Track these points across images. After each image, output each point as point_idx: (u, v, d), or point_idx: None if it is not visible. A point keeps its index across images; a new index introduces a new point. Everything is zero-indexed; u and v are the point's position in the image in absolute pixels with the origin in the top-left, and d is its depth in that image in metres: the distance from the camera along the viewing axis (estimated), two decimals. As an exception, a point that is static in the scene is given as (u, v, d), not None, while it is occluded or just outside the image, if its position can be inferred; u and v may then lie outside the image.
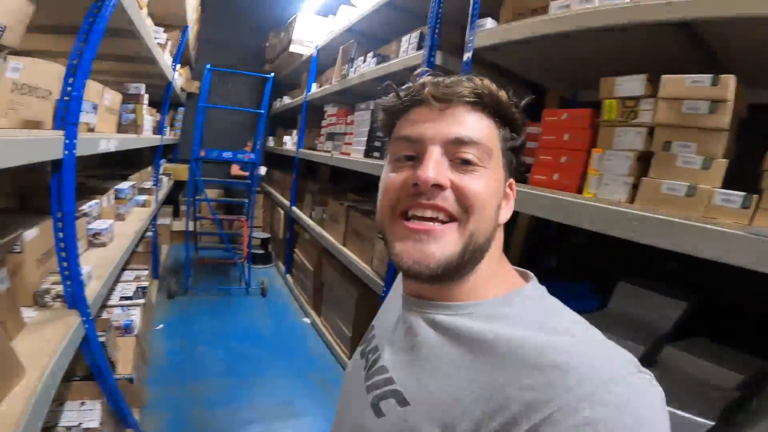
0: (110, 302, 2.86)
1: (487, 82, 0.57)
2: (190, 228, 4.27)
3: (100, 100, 2.00)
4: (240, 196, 4.88)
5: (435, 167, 0.52)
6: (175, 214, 6.04)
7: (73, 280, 1.45)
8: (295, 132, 4.69)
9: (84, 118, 1.40)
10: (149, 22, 2.20)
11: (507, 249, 0.63)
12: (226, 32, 5.78)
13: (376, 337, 0.70)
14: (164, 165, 5.36)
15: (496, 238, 0.58)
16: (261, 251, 5.10)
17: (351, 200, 3.37)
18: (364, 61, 2.88)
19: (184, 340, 3.26)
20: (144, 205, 3.49)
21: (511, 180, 0.61)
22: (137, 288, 3.16)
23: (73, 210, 1.40)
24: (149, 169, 3.79)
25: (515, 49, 1.58)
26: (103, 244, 2.23)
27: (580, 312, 0.54)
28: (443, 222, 0.54)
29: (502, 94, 0.57)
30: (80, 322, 1.43)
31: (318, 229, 3.44)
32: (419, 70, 0.63)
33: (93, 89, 1.81)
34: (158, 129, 3.49)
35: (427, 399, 0.51)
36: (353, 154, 2.80)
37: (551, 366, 0.43)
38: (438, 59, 1.96)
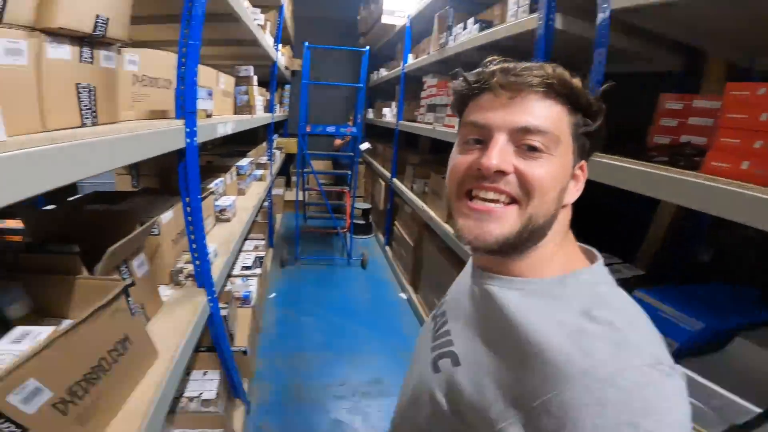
0: (233, 272, 3.15)
1: (560, 70, 0.56)
2: (300, 199, 4.50)
3: (216, 85, 2.10)
4: (344, 168, 5.01)
5: (499, 155, 0.55)
6: (287, 185, 6.50)
7: (202, 261, 1.55)
8: (393, 104, 4.58)
9: (201, 105, 1.44)
10: (247, 3, 2.22)
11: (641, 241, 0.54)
12: (319, 8, 5.86)
13: (445, 303, 0.76)
14: (276, 140, 5.77)
15: (560, 218, 0.60)
16: (362, 222, 5.22)
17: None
18: (465, 28, 2.61)
19: (291, 309, 3.51)
20: (261, 179, 3.75)
21: (583, 162, 0.62)
22: (256, 258, 3.46)
23: (198, 195, 1.48)
24: (264, 144, 4.04)
25: (665, 10, 1.24)
26: (228, 220, 2.42)
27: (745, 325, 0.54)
28: (505, 204, 0.56)
29: (576, 82, 0.56)
30: (206, 301, 1.53)
31: (419, 202, 3.34)
32: (491, 58, 0.64)
33: (207, 75, 1.90)
34: (269, 107, 3.66)
35: (473, 364, 0.57)
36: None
37: (579, 351, 0.46)
38: (558, 23, 1.61)
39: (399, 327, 3.35)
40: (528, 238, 0.57)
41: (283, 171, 6.16)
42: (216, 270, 1.68)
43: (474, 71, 0.62)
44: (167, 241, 1.61)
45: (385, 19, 4.37)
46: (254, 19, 2.33)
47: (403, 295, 3.85)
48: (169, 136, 1.25)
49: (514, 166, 0.55)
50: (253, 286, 3.00)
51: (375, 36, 5.26)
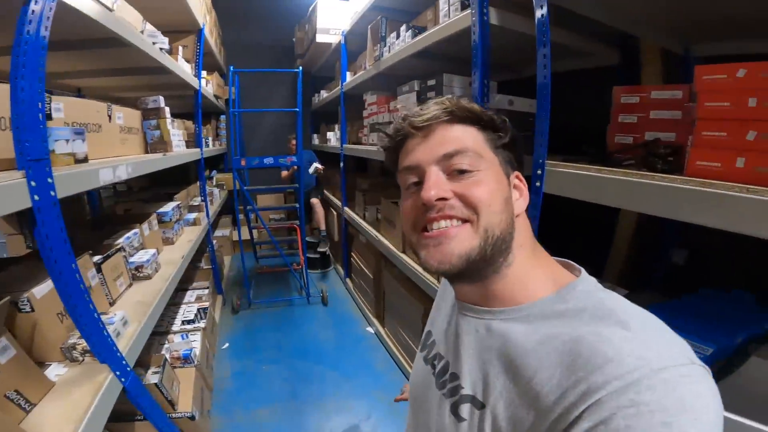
0: (173, 328, 2.79)
1: (455, 99, 0.64)
2: (245, 237, 4.14)
3: (107, 121, 1.76)
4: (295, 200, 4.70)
5: (434, 185, 0.58)
6: (234, 224, 6.04)
7: (93, 335, 1.26)
8: (337, 127, 4.35)
9: (62, 148, 1.11)
10: (142, 26, 1.93)
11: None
12: (253, 34, 5.70)
13: (436, 344, 0.72)
14: (216, 176, 5.38)
15: (520, 229, 0.61)
16: (317, 255, 4.88)
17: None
18: (398, 37, 2.45)
19: (248, 359, 3.18)
20: (195, 222, 3.35)
21: (517, 173, 0.66)
22: (198, 310, 3.07)
23: (70, 263, 1.15)
24: (197, 184, 3.65)
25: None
26: (148, 277, 2.07)
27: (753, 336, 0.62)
28: (456, 226, 0.59)
29: (473, 105, 0.63)
30: (113, 377, 1.28)
31: (373, 232, 3.07)
32: (403, 114, 0.67)
33: (86, 109, 1.57)
34: (196, 141, 3.31)
35: (503, 402, 0.53)
36: None
37: (605, 359, 0.45)
38: (494, 18, 1.46)
39: (370, 363, 3.05)
40: (493, 252, 0.58)
41: (230, 209, 5.77)
42: (127, 338, 1.46)
43: (391, 125, 0.68)
44: (48, 316, 1.33)
45: (320, 38, 4.21)
46: (154, 43, 2.02)
47: (370, 329, 3.55)
48: (3, 193, 0.91)
49: (452, 191, 0.58)
50: (196, 341, 2.67)
51: (312, 57, 5.07)
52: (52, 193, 1.06)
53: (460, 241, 0.57)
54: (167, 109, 2.33)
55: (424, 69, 2.51)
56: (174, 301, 3.27)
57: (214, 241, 5.11)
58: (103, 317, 1.41)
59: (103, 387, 1.20)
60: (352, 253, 4.00)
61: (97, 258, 1.71)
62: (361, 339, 3.44)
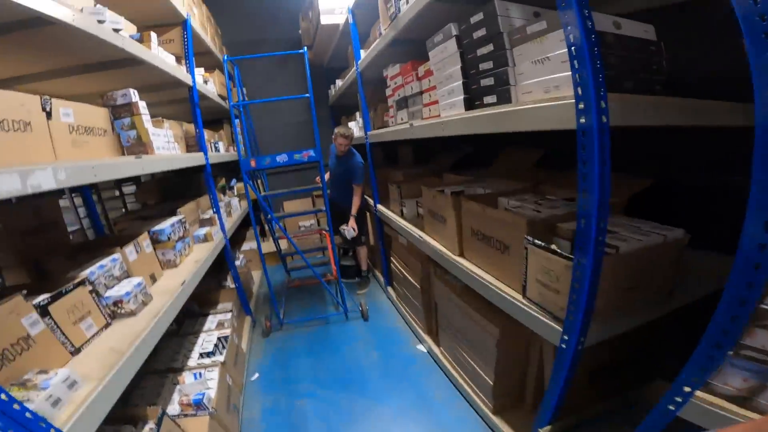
0: (189, 363, 2.40)
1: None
2: (269, 250, 3.65)
3: (41, 119, 1.28)
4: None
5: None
6: (263, 234, 5.63)
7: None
8: (358, 114, 3.80)
9: None
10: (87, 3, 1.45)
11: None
12: (256, 31, 5.35)
13: None
14: (238, 185, 4.97)
15: None
16: (352, 263, 4.35)
17: (455, 183, 2.36)
18: (413, -14, 1.88)
19: (281, 392, 2.72)
20: (205, 239, 2.89)
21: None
22: (219, 339, 2.62)
23: None
24: (206, 197, 3.20)
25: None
26: (132, 313, 1.65)
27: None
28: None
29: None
30: None
31: (415, 231, 2.49)
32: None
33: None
34: (199, 145, 2.85)
35: None
36: (446, 112, 1.78)
37: None
38: None
39: (426, 393, 2.47)
40: None
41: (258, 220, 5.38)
42: (73, 407, 1.05)
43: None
44: None
45: (325, 20, 3.83)
46: (101, 22, 1.52)
47: (421, 347, 2.97)
48: None
49: None
50: (212, 380, 2.22)
51: (321, 46, 4.66)
52: None
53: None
54: (142, 104, 1.84)
55: (458, 13, 1.91)
56: (193, 330, 2.85)
57: (241, 256, 4.69)
58: (39, 378, 1.08)
59: None
60: (392, 258, 3.42)
61: (42, 298, 1.27)
62: (411, 360, 2.87)
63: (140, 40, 1.98)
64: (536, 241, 1.29)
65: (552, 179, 1.99)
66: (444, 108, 1.77)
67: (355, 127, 3.89)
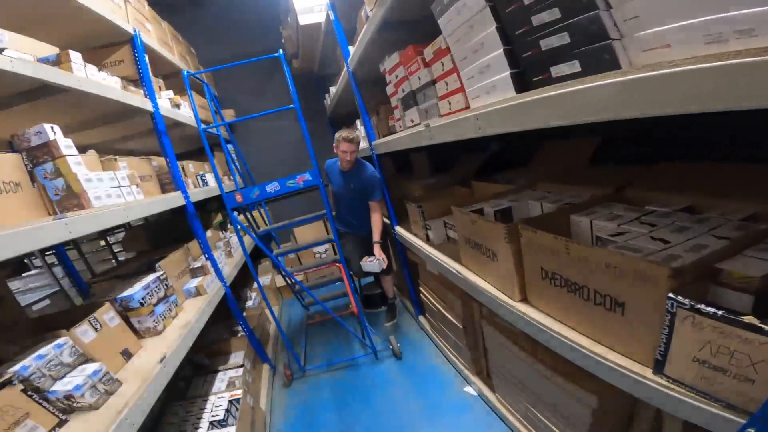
0: None
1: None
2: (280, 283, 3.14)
3: None
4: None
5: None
6: (275, 266, 5.15)
7: None
8: (358, 122, 3.29)
9: None
10: None
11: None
12: (237, 48, 4.90)
13: None
14: (240, 217, 4.51)
15: None
16: (377, 290, 3.81)
17: (492, 196, 1.81)
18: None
19: None
20: (198, 293, 2.42)
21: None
22: (230, 403, 2.23)
23: None
24: (195, 241, 2.72)
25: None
26: (92, 407, 1.32)
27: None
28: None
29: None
30: None
31: (450, 264, 1.93)
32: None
33: None
34: (175, 182, 2.38)
35: None
36: (482, 100, 1.21)
37: None
38: None
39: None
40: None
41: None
42: None
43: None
44: None
45: (304, 20, 3.47)
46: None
47: (470, 390, 2.41)
48: None
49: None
50: None
51: (307, 53, 4.25)
52: None
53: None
54: (65, 142, 1.36)
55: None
56: (201, 391, 2.45)
57: (253, 295, 4.21)
58: None
59: None
60: (421, 288, 2.86)
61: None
62: (460, 407, 2.31)
63: (57, 62, 1.51)
64: (698, 306, 0.73)
65: (637, 178, 1.41)
66: (477, 94, 1.22)
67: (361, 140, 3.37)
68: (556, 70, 0.89)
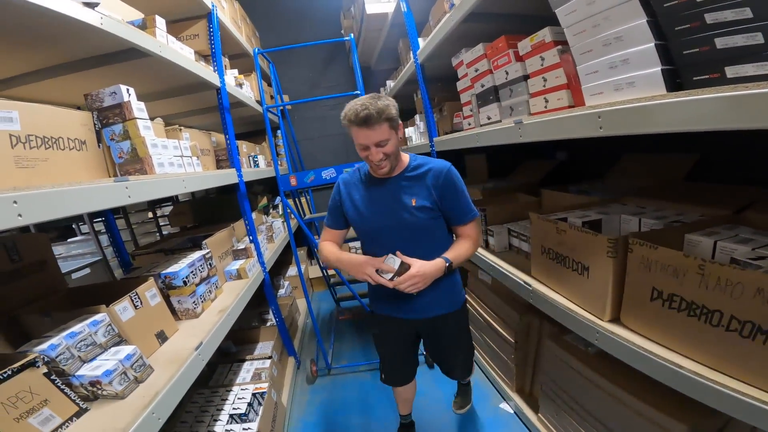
0: (215, 428, 1.89)
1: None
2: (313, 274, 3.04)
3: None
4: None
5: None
6: (311, 256, 5.12)
7: None
8: (418, 117, 3.16)
9: None
10: None
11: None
12: (296, 35, 4.92)
13: None
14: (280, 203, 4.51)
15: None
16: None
17: (569, 206, 1.66)
18: None
19: None
20: (239, 276, 2.36)
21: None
22: (254, 397, 2.11)
23: None
24: (242, 221, 2.68)
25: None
26: (119, 396, 1.18)
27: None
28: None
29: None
30: None
31: (518, 275, 1.78)
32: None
33: None
34: (230, 159, 2.33)
35: None
36: (608, 96, 1.05)
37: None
38: None
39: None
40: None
41: (302, 240, 4.95)
42: None
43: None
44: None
45: (371, 9, 3.31)
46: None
47: (507, 407, 2.26)
48: None
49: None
50: None
51: (367, 44, 4.13)
52: None
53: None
54: (138, 105, 1.32)
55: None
56: (225, 380, 2.37)
57: (286, 283, 4.16)
58: None
59: None
60: (467, 297, 2.71)
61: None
62: (494, 423, 2.18)
63: (143, 26, 1.47)
64: None
65: (760, 200, 1.24)
66: (599, 91, 1.07)
67: (415, 134, 3.25)
68: (735, 71, 0.76)
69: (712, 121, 0.72)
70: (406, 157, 1.57)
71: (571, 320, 1.37)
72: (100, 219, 3.50)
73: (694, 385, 0.94)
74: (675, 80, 0.90)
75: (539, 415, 1.91)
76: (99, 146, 1.28)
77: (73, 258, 3.72)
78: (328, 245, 1.69)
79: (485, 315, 2.36)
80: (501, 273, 1.91)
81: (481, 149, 2.95)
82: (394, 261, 1.41)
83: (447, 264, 1.45)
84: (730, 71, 0.77)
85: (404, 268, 1.40)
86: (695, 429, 1.12)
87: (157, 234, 4.05)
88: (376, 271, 1.43)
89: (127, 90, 1.29)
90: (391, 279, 1.40)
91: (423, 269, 1.40)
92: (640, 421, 1.25)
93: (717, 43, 0.79)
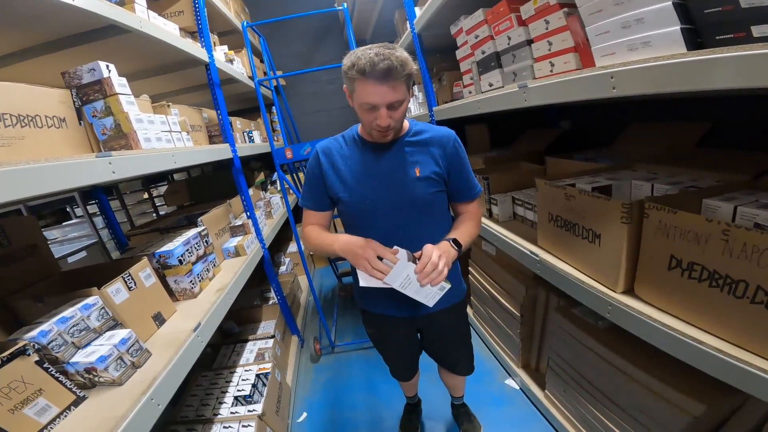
0: (221, 410, 1.88)
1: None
2: (307, 252, 3.03)
3: None
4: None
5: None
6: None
7: None
8: (416, 88, 3.07)
9: None
10: None
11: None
12: (290, 9, 4.74)
13: None
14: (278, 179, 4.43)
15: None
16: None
17: (576, 173, 1.60)
18: None
19: None
20: (237, 253, 2.32)
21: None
22: (257, 378, 2.12)
23: None
24: (238, 198, 2.62)
25: None
26: (116, 383, 1.15)
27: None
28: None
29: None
30: None
31: (524, 245, 1.74)
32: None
33: None
34: (224, 134, 2.25)
35: None
36: (626, 55, 0.97)
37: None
38: None
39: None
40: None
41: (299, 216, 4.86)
42: None
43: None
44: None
45: None
46: None
47: (512, 383, 2.28)
48: None
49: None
50: None
51: (361, 15, 4.03)
52: None
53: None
54: (119, 80, 1.25)
55: None
56: (228, 362, 2.37)
57: (287, 260, 4.15)
58: None
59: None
60: (470, 269, 2.69)
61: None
62: (499, 400, 2.19)
63: (121, 3, 1.38)
64: None
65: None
66: (611, 51, 0.99)
67: (414, 104, 3.15)
68: (763, 30, 0.70)
69: (745, 78, 0.65)
70: (405, 122, 1.34)
71: (581, 292, 1.34)
72: (94, 201, 3.44)
73: (716, 362, 0.90)
74: (695, 39, 0.84)
75: (546, 391, 1.92)
76: (80, 124, 1.21)
77: (70, 242, 3.68)
78: (314, 230, 1.39)
79: (489, 288, 2.34)
80: (506, 243, 1.86)
81: (483, 119, 2.88)
82: (403, 255, 1.13)
83: (456, 249, 1.23)
84: (757, 30, 0.71)
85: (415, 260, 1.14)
86: (713, 409, 1.10)
87: (154, 214, 4.00)
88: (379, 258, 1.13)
89: (107, 66, 1.22)
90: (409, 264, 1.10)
91: (443, 248, 1.17)
92: (653, 400, 1.23)
93: (741, 2, 0.72)
